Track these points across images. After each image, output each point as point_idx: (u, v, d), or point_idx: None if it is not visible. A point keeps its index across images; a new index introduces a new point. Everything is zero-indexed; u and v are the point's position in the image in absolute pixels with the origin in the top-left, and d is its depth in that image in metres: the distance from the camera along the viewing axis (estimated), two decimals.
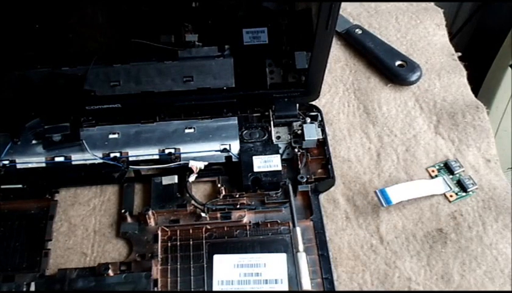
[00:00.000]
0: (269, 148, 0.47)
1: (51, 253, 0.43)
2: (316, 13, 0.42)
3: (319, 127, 0.48)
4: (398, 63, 0.55)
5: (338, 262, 0.42)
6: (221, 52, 0.50)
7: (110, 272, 0.41)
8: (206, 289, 0.40)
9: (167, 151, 0.47)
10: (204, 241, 0.43)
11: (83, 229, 0.45)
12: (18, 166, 0.46)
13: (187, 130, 0.48)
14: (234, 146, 0.47)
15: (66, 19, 0.46)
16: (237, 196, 0.45)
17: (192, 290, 0.41)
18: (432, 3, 0.62)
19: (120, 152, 0.47)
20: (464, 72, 0.55)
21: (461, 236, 0.43)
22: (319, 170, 0.47)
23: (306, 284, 0.27)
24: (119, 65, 0.49)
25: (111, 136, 0.48)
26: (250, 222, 0.44)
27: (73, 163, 0.46)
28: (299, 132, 0.48)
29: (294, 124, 0.49)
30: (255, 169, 0.45)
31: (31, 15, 0.44)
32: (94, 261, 0.43)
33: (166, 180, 0.46)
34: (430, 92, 0.54)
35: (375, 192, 0.45)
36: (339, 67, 0.56)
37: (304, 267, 0.27)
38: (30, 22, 0.45)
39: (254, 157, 0.45)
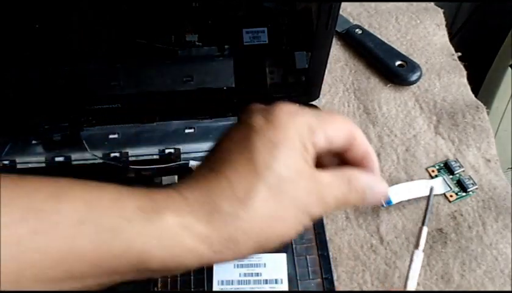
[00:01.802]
0: None
1: None
2: (316, 13, 0.42)
3: None
4: (398, 63, 0.55)
5: (338, 262, 0.42)
6: (221, 52, 0.50)
7: None
8: (206, 289, 0.40)
9: (167, 151, 0.47)
10: None
11: None
12: (18, 166, 0.46)
13: (187, 130, 0.48)
14: None
15: (66, 19, 0.46)
16: None
17: (192, 290, 0.41)
18: (432, 3, 0.62)
19: (121, 152, 0.47)
20: (464, 72, 0.55)
21: (461, 236, 0.43)
22: None
23: (412, 285, 0.26)
24: (119, 65, 0.49)
25: (111, 136, 0.48)
26: None
27: (73, 163, 0.46)
28: None
29: None
30: None
31: (31, 15, 0.44)
32: None
33: (166, 180, 0.46)
34: (430, 92, 0.54)
35: None
36: (339, 67, 0.56)
37: (417, 268, 0.26)
38: (30, 22, 0.45)
39: None
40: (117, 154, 0.47)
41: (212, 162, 0.27)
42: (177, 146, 0.47)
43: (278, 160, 0.26)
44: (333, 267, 0.41)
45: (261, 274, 0.41)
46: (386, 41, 0.57)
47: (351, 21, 0.60)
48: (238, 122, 0.28)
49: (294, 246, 0.42)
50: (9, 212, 0.22)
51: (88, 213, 0.23)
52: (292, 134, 0.27)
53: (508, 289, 0.40)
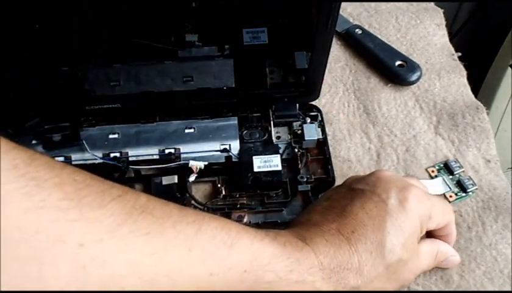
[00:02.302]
0: (269, 148, 0.47)
1: None
2: (316, 13, 0.42)
3: (319, 127, 0.48)
4: (398, 63, 0.55)
5: None
6: (221, 52, 0.50)
7: None
8: None
9: (167, 151, 0.47)
10: None
11: None
12: None
13: (187, 130, 0.48)
14: (234, 146, 0.47)
15: (66, 19, 0.46)
16: (237, 196, 0.45)
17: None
18: (432, 3, 0.62)
19: (121, 152, 0.47)
20: (464, 72, 0.55)
21: (460, 236, 0.43)
22: (319, 170, 0.47)
23: None
24: (119, 64, 0.49)
25: (111, 136, 0.48)
26: (250, 222, 0.44)
27: (73, 163, 0.46)
28: (299, 132, 0.48)
29: (294, 124, 0.49)
30: (255, 169, 0.45)
31: (31, 15, 0.44)
32: None
33: (166, 180, 0.46)
34: (430, 92, 0.54)
35: None
36: (339, 67, 0.56)
37: None
38: (30, 22, 0.45)
39: (254, 157, 0.45)
40: (117, 154, 0.47)
41: (346, 230, 0.34)
42: (177, 146, 0.47)
43: (401, 246, 0.34)
44: None
45: None
46: (386, 41, 0.57)
47: (351, 21, 0.60)
48: (373, 192, 0.36)
49: None
50: (192, 254, 0.28)
51: (251, 264, 0.30)
52: (417, 221, 0.35)
53: (508, 289, 0.40)
